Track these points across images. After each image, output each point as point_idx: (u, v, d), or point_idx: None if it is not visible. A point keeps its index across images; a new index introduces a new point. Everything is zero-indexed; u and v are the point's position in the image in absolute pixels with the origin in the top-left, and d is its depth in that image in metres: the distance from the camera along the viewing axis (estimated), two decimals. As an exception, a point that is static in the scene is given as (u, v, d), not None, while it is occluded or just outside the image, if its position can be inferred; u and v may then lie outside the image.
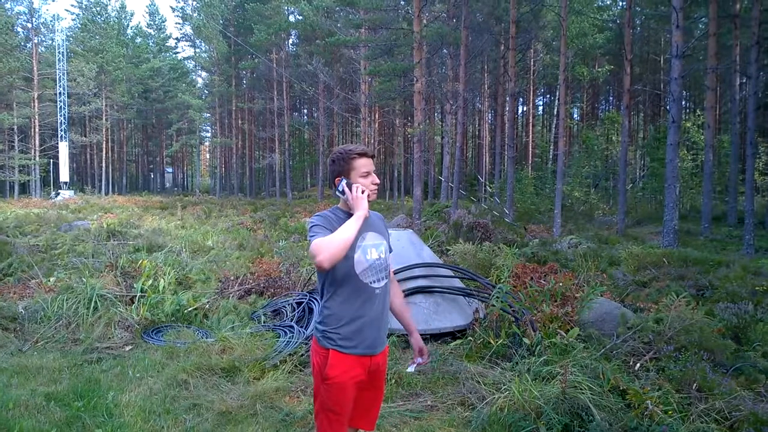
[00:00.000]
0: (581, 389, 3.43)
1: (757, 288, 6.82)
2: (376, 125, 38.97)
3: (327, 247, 1.94)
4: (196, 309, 6.00)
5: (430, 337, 5.02)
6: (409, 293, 5.28)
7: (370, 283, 2.15)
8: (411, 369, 2.43)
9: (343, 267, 2.10)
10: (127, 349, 5.03)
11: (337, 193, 2.17)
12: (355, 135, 47.56)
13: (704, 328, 4.52)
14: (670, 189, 12.81)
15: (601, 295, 5.57)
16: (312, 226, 2.10)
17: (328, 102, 35.96)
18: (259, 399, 3.79)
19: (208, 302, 6.21)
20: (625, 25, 18.30)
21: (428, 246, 6.98)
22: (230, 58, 43.41)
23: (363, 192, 2.12)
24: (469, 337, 4.80)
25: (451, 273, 5.90)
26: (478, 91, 35.62)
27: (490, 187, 27.38)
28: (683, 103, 32.89)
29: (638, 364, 4.10)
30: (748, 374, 4.18)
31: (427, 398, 3.84)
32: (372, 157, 2.18)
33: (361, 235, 2.15)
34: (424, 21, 21.20)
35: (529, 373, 3.82)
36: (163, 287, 6.26)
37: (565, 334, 4.41)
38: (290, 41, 44.60)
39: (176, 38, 59.57)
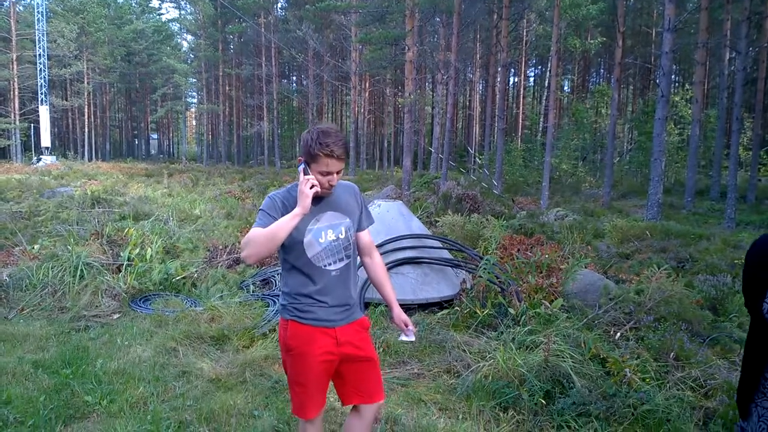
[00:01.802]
0: (563, 357, 3.52)
1: (736, 261, 6.99)
2: (367, 94, 38.43)
3: (252, 244, 1.91)
4: (184, 278, 6.00)
5: (418, 307, 5.10)
6: (398, 264, 5.33)
7: (325, 266, 2.09)
8: (411, 338, 2.33)
9: (294, 250, 2.07)
10: (115, 317, 5.04)
11: (298, 169, 2.08)
12: (345, 104, 46.98)
13: (683, 299, 4.65)
14: (656, 163, 12.92)
15: (586, 267, 5.67)
16: (260, 210, 2.06)
17: (318, 69, 35.31)
18: (249, 367, 3.84)
19: (196, 271, 6.21)
20: (619, -5, 18.06)
21: (417, 217, 7.00)
22: (217, 22, 42.19)
23: (312, 187, 1.97)
24: (456, 307, 4.88)
25: (439, 244, 5.95)
26: (469, 61, 35.21)
27: (480, 159, 27.35)
28: (672, 77, 32.84)
29: (618, 334, 4.21)
30: (724, 344, 4.32)
31: (414, 366, 3.92)
32: (341, 159, 2.01)
33: (315, 218, 2.09)
34: (417, -13, 20.67)
35: (514, 342, 3.90)
36: (151, 256, 6.24)
37: (549, 305, 4.50)
38: (279, 5, 43.40)
39: (160, -1, 57.95)
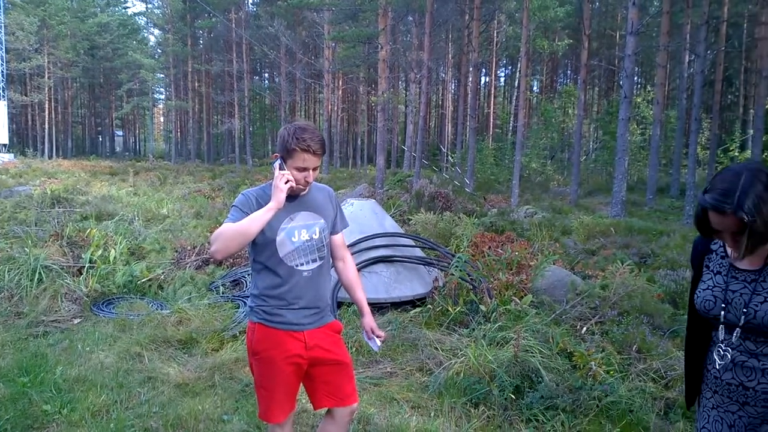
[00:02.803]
0: (532, 353, 3.58)
1: (695, 256, 7.21)
2: (340, 92, 38.27)
3: (223, 238, 1.88)
4: (150, 280, 5.85)
5: (391, 306, 5.10)
6: (371, 263, 5.32)
7: (296, 266, 2.07)
8: (374, 347, 2.33)
9: (266, 249, 2.04)
10: (76, 322, 4.87)
11: (273, 165, 2.06)
12: (318, 102, 46.67)
13: (645, 293, 4.80)
14: (620, 161, 13.27)
15: (554, 264, 5.78)
16: (232, 206, 2.03)
17: (290, 67, 34.95)
18: (218, 370, 3.77)
19: (163, 273, 6.06)
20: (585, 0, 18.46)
21: (390, 215, 7.01)
22: (185, 16, 41.22)
23: (287, 182, 1.95)
24: (429, 305, 4.90)
25: (412, 242, 5.97)
26: (442, 61, 35.41)
27: (452, 157, 27.56)
28: (635, 78, 33.71)
29: (584, 328, 4.31)
30: (684, 336, 4.46)
31: (386, 365, 3.92)
32: (318, 154, 2.00)
33: (289, 216, 2.06)
34: (389, -14, 20.70)
35: (485, 339, 3.95)
36: (114, 257, 6.06)
37: (519, 301, 4.58)
38: (250, 1, 42.86)
39: (126, -8, 56.48)
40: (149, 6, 49.22)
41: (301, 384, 2.21)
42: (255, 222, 1.91)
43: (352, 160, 41.53)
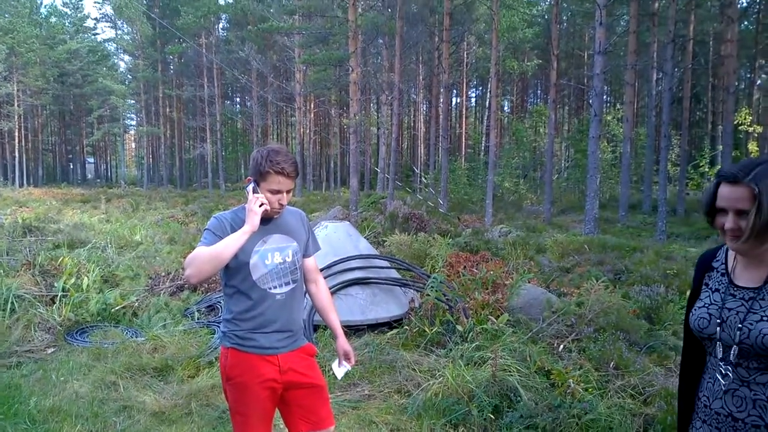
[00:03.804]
0: (510, 372, 3.61)
1: (668, 271, 7.40)
2: (312, 115, 38.45)
3: (197, 262, 1.90)
4: (124, 307, 5.75)
5: (367, 328, 5.10)
6: (346, 285, 5.33)
7: (270, 288, 2.08)
8: (339, 375, 2.32)
9: (239, 273, 2.05)
10: (49, 351, 4.76)
11: (246, 189, 2.07)
12: (289, 125, 46.71)
13: (620, 310, 4.87)
14: (591, 179, 13.59)
15: (529, 282, 5.86)
16: (205, 230, 2.05)
17: (262, 90, 35.07)
18: (194, 397, 3.71)
19: (137, 300, 5.96)
20: (553, 20, 19.07)
21: (365, 237, 7.04)
22: (156, 42, 41.12)
23: (261, 206, 1.98)
24: (405, 326, 4.91)
25: (387, 264, 6.00)
26: (413, 83, 35.97)
27: (425, 178, 27.80)
28: (604, 97, 34.74)
29: (561, 346, 4.36)
30: (660, 352, 4.54)
31: (364, 388, 3.91)
32: (291, 177, 2.03)
33: (261, 239, 2.08)
34: (359, 10, 21.14)
35: (462, 359, 3.97)
36: (87, 285, 5.95)
37: (495, 320, 4.62)
38: (220, 25, 43.00)
39: (95, 18, 56.30)
40: (119, 32, 48.94)
41: (277, 409, 2.20)
42: (229, 245, 1.93)
43: (325, 183, 41.55)
